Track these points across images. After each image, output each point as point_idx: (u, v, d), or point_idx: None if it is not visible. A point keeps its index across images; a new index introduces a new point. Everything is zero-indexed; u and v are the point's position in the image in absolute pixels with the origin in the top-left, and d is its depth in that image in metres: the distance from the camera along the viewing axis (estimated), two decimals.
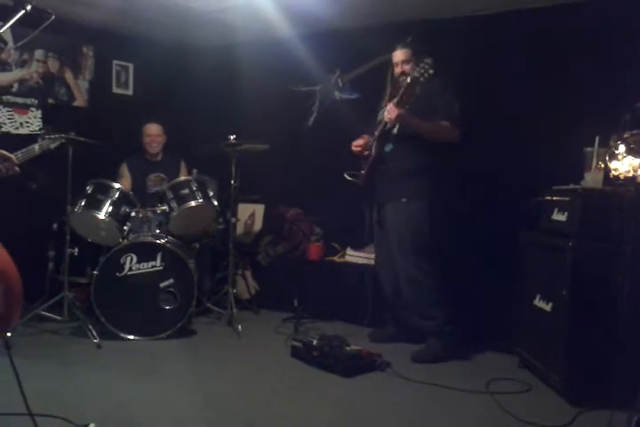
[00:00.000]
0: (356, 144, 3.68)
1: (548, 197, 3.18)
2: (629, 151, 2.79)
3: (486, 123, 3.77)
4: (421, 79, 3.20)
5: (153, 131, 4.47)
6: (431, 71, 3.19)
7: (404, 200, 3.46)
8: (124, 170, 4.44)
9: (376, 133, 3.52)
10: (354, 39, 4.37)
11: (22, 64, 4.37)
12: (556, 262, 2.93)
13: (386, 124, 3.46)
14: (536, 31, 3.72)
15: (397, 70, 3.53)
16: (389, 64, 3.65)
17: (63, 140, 3.49)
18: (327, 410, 2.67)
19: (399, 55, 3.54)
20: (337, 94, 4.71)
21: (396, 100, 3.34)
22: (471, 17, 3.96)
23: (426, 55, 3.31)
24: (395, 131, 3.50)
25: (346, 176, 3.67)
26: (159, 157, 4.53)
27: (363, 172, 3.62)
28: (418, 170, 3.47)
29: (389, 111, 3.35)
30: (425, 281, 3.43)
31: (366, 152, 3.63)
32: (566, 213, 2.97)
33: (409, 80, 3.25)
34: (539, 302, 3.08)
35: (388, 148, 3.54)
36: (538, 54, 3.73)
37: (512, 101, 3.76)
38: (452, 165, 3.61)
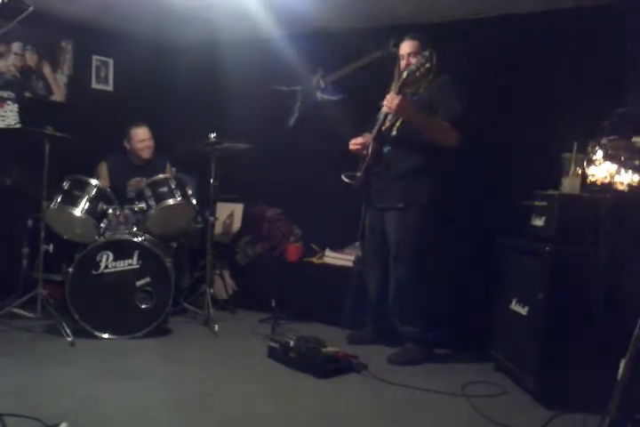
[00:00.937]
0: (355, 142, 3.58)
1: (527, 202, 3.19)
2: (607, 157, 2.83)
3: (465, 127, 3.79)
4: (417, 73, 3.15)
5: (145, 135, 4.30)
6: (428, 65, 3.13)
7: (401, 206, 3.38)
8: (103, 171, 4.29)
9: (373, 133, 3.45)
10: (337, 40, 4.37)
11: None
12: (532, 267, 2.96)
13: (382, 124, 3.40)
14: (517, 37, 3.75)
15: (404, 63, 3.38)
16: (375, 65, 3.61)
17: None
18: (303, 411, 2.66)
19: (406, 47, 3.40)
20: (319, 95, 4.71)
21: (393, 91, 3.26)
22: (457, 20, 3.98)
23: (433, 49, 3.24)
24: (394, 132, 3.42)
25: (343, 178, 3.57)
26: (145, 162, 4.36)
27: (359, 173, 3.54)
28: (415, 173, 3.38)
29: (388, 100, 3.23)
30: (414, 288, 3.41)
31: (364, 152, 3.52)
32: (544, 218, 2.99)
33: (405, 73, 3.20)
34: (515, 306, 3.10)
35: (386, 149, 3.46)
36: (519, 60, 3.75)
37: (492, 106, 3.78)
38: (446, 169, 3.57)
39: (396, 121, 3.41)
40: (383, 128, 3.43)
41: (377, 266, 3.61)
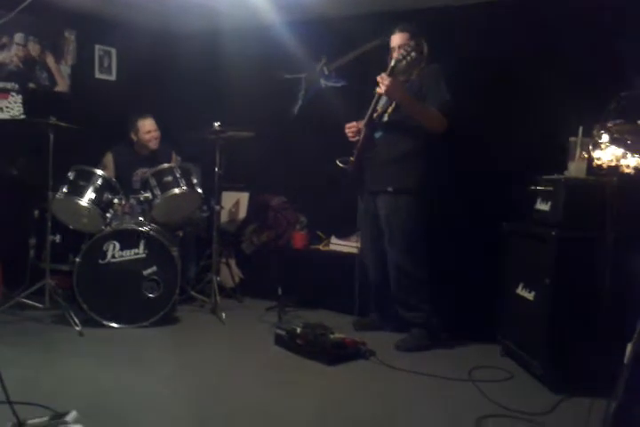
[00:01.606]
0: (349, 126, 3.62)
1: (532, 187, 3.18)
2: (613, 141, 2.81)
3: (471, 112, 3.77)
4: (404, 62, 3.21)
5: (151, 126, 4.33)
6: (413, 54, 3.20)
7: (389, 189, 3.43)
8: (109, 162, 4.32)
9: (365, 118, 3.48)
10: (341, 27, 4.34)
11: (2, 48, 4.28)
12: (539, 251, 2.95)
13: (374, 109, 3.42)
14: (522, 21, 3.71)
15: (394, 55, 3.41)
16: (376, 52, 3.61)
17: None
18: (311, 398, 2.68)
19: (396, 39, 3.47)
20: (322, 82, 4.68)
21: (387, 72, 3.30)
22: (458, 6, 3.93)
23: (424, 39, 3.34)
24: (385, 118, 3.46)
25: (337, 163, 3.63)
26: (151, 152, 4.40)
27: (352, 159, 3.59)
28: (406, 158, 3.43)
29: (381, 79, 3.27)
30: (413, 271, 3.43)
31: (356, 138, 3.59)
32: (550, 203, 2.98)
33: (392, 63, 3.27)
34: (521, 291, 3.10)
35: (378, 134, 3.51)
36: (524, 43, 3.72)
37: (497, 91, 3.75)
38: (436, 154, 3.59)
39: (388, 107, 3.46)
40: (375, 114, 3.47)
41: (374, 251, 3.63)
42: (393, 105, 3.43)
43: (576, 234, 2.80)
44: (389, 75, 3.29)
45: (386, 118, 3.47)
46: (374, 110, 3.45)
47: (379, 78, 3.30)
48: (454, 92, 3.37)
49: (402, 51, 3.26)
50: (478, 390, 2.77)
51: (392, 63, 3.28)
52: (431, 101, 3.35)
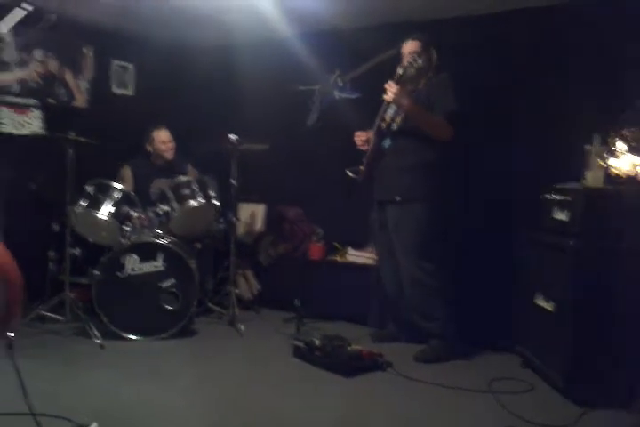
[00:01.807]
0: (358, 135, 3.65)
1: (549, 196, 3.17)
2: (630, 149, 2.79)
3: (486, 121, 3.77)
4: (411, 69, 3.25)
5: (166, 137, 4.40)
6: (420, 62, 3.24)
7: (398, 199, 3.44)
8: (127, 174, 4.37)
9: (375, 127, 3.50)
10: (354, 39, 4.36)
11: (22, 64, 4.36)
12: (557, 261, 2.93)
13: (382, 118, 3.44)
14: (536, 29, 3.72)
15: (402, 63, 3.44)
16: (390, 62, 3.64)
17: None
18: (329, 410, 2.67)
19: (407, 47, 3.51)
20: (336, 94, 4.70)
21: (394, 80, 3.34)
22: (472, 16, 3.95)
23: (433, 48, 3.40)
24: (394, 126, 3.48)
25: (347, 172, 3.66)
26: (167, 163, 4.45)
27: (362, 168, 3.60)
28: (414, 167, 3.44)
29: (388, 87, 3.30)
30: (427, 281, 3.42)
31: (366, 147, 3.61)
32: (567, 212, 2.96)
33: (400, 71, 3.30)
34: (540, 302, 3.08)
35: (387, 143, 3.52)
36: (538, 52, 3.72)
37: (511, 99, 3.76)
38: (451, 164, 3.60)
39: (397, 116, 3.47)
40: (383, 123, 3.48)
41: (388, 261, 3.62)
42: (402, 114, 3.45)
43: (594, 244, 2.77)
44: (397, 82, 3.32)
45: (395, 127, 3.49)
46: (382, 119, 3.47)
47: (386, 85, 3.34)
48: (464, 102, 3.38)
49: (409, 59, 3.30)
50: (498, 403, 2.75)
51: (400, 71, 3.32)
52: (438, 110, 3.37)
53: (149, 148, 4.42)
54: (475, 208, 3.79)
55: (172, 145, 4.42)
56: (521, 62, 3.77)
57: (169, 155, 4.41)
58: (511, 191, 3.66)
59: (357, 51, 4.44)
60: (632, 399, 2.05)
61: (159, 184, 4.29)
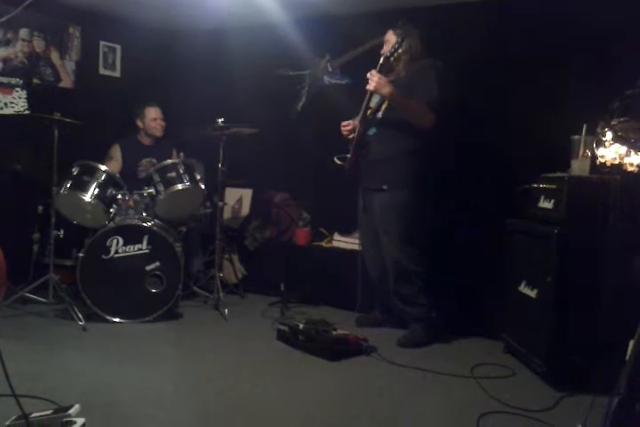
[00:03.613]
0: (344, 124, 3.65)
1: (535, 185, 3.18)
2: (616, 139, 2.80)
3: (472, 110, 3.77)
4: (391, 58, 3.28)
5: (157, 114, 4.44)
6: (400, 50, 3.27)
7: (384, 187, 3.44)
8: (116, 152, 4.38)
9: (360, 115, 3.49)
10: (345, 24, 4.34)
11: (6, 43, 4.29)
12: (541, 249, 2.95)
13: (367, 106, 3.43)
14: (526, 20, 3.71)
15: (383, 51, 3.46)
16: (380, 49, 3.62)
17: None
18: (313, 394, 2.69)
19: (389, 35, 3.52)
20: (326, 79, 4.69)
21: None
22: (463, 4, 3.93)
23: (417, 36, 3.40)
24: (379, 115, 3.49)
25: (335, 160, 3.67)
26: (154, 142, 4.50)
27: (348, 155, 3.61)
28: (400, 155, 3.44)
29: (370, 77, 3.30)
30: (410, 267, 3.44)
31: (351, 135, 3.60)
32: (553, 201, 2.98)
33: (381, 60, 3.32)
34: (524, 289, 3.11)
35: (372, 131, 3.52)
36: (527, 42, 3.71)
37: (499, 89, 3.75)
38: (437, 152, 3.59)
39: (382, 104, 3.48)
40: (369, 111, 3.48)
41: (373, 247, 3.63)
42: (386, 102, 3.45)
43: (579, 231, 2.80)
44: (379, 71, 3.32)
45: (380, 115, 3.50)
46: (367, 107, 3.47)
47: (368, 75, 3.33)
48: (450, 88, 3.39)
49: (390, 48, 3.32)
50: (480, 387, 2.79)
51: (381, 60, 3.33)
52: (419, 97, 3.36)
53: (140, 123, 4.44)
54: (462, 196, 3.79)
55: (162, 123, 4.46)
56: (512, 51, 3.76)
57: (158, 132, 4.45)
58: (498, 180, 3.67)
59: (348, 37, 4.42)
60: (611, 384, 2.08)
61: (147, 164, 4.36)
